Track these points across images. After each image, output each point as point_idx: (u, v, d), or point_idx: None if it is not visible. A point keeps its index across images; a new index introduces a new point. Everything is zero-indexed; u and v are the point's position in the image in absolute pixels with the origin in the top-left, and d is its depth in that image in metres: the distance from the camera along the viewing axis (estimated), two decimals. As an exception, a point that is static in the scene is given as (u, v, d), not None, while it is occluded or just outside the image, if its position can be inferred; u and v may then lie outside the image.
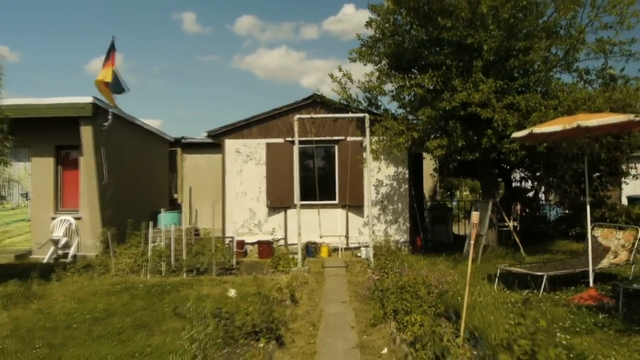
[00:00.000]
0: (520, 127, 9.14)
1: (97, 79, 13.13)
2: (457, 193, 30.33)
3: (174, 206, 17.86)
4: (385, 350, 5.07)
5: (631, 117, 5.82)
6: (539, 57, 9.95)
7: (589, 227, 7.41)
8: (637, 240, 8.04)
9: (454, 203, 23.22)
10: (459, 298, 6.48)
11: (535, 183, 15.59)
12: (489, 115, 9.35)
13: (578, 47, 10.58)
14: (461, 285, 6.85)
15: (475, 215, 5.05)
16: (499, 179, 14.97)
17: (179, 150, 18.79)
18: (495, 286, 7.89)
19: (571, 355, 4.58)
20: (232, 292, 6.74)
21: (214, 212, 16.01)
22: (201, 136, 18.86)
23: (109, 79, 12.94)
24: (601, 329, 5.55)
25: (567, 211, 15.05)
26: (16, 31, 68.96)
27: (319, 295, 8.00)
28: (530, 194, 16.01)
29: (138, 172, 15.57)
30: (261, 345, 5.13)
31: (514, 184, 16.36)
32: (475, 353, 4.45)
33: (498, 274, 8.17)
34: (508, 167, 14.74)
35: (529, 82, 10.26)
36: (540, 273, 7.44)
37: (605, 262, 8.15)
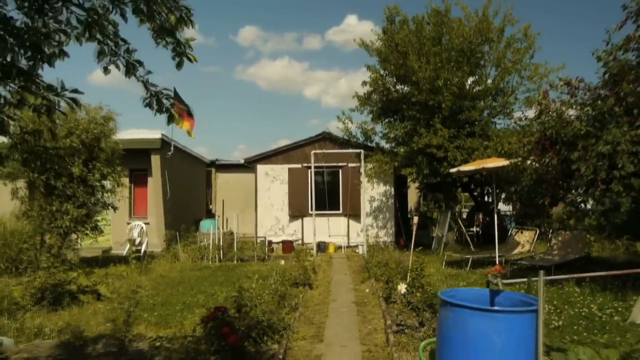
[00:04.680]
0: (466, 161, 13.64)
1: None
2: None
3: (209, 215, 22.38)
4: (367, 290, 9.52)
5: (506, 162, 10.28)
6: (478, 113, 14.46)
7: (496, 229, 11.82)
8: (536, 237, 12.49)
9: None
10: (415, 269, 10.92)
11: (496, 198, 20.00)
12: (442, 155, 13.87)
13: (511, 102, 15.11)
14: (417, 264, 11.27)
15: (415, 218, 9.50)
16: (467, 194, 19.39)
17: (213, 170, 23.38)
18: (443, 266, 12.33)
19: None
20: (282, 262, 11.20)
21: (242, 220, 20.47)
22: (231, 159, 23.48)
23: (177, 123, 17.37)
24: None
25: (520, 219, 19.45)
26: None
27: (329, 271, 12.46)
28: (492, 206, 20.41)
29: (186, 188, 20.10)
30: (300, 289, 9.55)
31: (486, 199, 20.78)
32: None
33: (445, 259, 12.65)
34: (473, 186, 19.16)
35: (474, 129, 14.74)
36: (467, 256, 11.93)
37: (516, 251, 12.56)
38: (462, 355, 3.66)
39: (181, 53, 3.73)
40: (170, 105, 3.86)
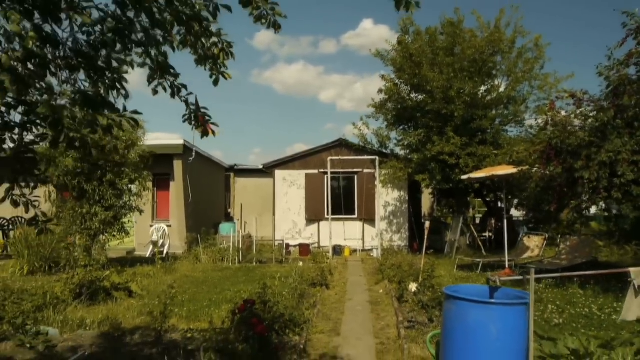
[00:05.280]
0: (477, 168, 14.11)
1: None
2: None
3: (228, 218, 23.04)
4: (381, 291, 10.04)
5: (514, 170, 10.75)
6: (490, 122, 14.92)
7: (505, 235, 12.27)
8: (545, 242, 12.91)
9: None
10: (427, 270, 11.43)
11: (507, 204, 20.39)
12: (454, 162, 14.36)
13: (522, 111, 15.57)
14: (429, 266, 11.76)
15: (427, 223, 10.00)
16: (480, 199, 19.84)
17: (232, 174, 24.07)
18: (455, 269, 12.80)
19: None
20: (300, 264, 11.76)
21: (260, 223, 21.10)
22: (248, 164, 24.14)
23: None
24: (498, 285, 10.43)
25: (530, 224, 19.82)
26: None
27: (345, 273, 13.00)
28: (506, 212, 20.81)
29: (206, 192, 20.79)
30: (317, 289, 10.10)
31: (499, 205, 21.18)
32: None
33: (457, 263, 13.12)
34: (485, 192, 19.59)
35: (486, 137, 15.20)
36: (478, 260, 12.38)
37: (525, 256, 12.99)
38: (463, 343, 4.19)
39: (218, 72, 4.30)
40: (205, 122, 4.43)
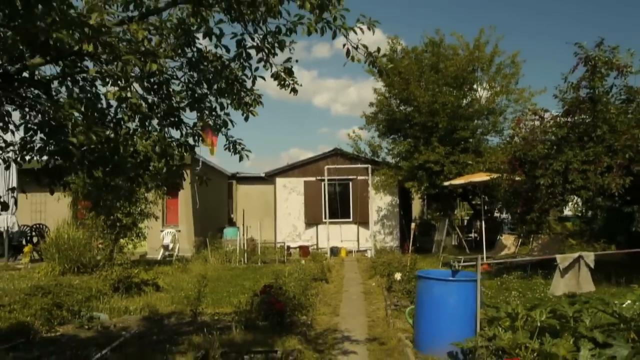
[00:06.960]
0: (460, 175, 15.68)
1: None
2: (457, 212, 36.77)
3: (231, 223, 24.54)
4: (373, 284, 11.56)
5: (487, 177, 12.32)
6: (470, 132, 16.51)
7: (484, 235, 13.81)
8: (520, 241, 14.49)
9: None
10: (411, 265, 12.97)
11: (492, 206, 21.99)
12: (439, 169, 15.94)
13: (500, 122, 17.19)
14: (413, 261, 13.27)
15: (413, 224, 11.53)
16: (465, 202, 21.45)
17: (234, 182, 25.59)
18: (440, 266, 14.34)
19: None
20: (302, 261, 13.29)
21: (261, 228, 22.65)
22: (249, 172, 25.66)
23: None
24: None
25: (513, 225, 21.40)
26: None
27: (342, 270, 14.52)
28: (489, 214, 22.39)
29: (211, 199, 22.28)
30: (318, 283, 11.60)
31: (485, 207, 22.82)
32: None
33: (442, 260, 14.68)
34: (471, 196, 21.17)
35: (468, 145, 16.78)
36: (459, 257, 13.92)
37: (503, 253, 14.55)
38: (429, 310, 5.71)
39: (249, 112, 5.80)
40: (241, 149, 5.94)
